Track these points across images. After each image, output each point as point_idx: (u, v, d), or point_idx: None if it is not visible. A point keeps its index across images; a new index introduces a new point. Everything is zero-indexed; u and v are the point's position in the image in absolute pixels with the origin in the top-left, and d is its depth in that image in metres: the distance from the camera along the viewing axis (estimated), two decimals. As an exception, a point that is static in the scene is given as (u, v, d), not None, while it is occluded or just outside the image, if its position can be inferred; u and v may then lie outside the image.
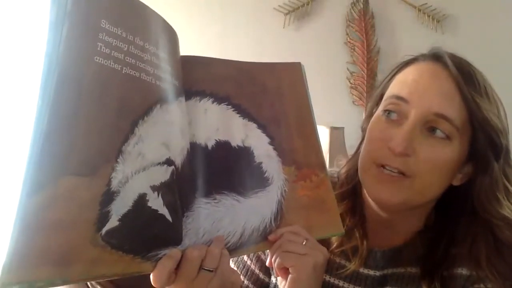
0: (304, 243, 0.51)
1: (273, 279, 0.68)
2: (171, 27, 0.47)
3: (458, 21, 1.56)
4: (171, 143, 0.44)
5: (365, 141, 0.61)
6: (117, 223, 0.39)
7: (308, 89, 0.58)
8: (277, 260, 0.51)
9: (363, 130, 0.64)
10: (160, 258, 0.43)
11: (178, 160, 0.45)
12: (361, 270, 0.62)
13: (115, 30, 0.40)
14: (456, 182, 0.58)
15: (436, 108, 0.54)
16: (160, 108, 0.43)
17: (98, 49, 0.38)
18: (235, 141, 0.53)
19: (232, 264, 0.68)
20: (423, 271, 0.58)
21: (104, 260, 0.38)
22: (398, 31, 1.61)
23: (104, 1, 0.40)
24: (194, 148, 0.49)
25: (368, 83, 1.65)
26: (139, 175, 0.40)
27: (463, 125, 0.55)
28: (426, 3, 1.55)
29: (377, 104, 0.63)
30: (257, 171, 0.53)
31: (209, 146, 0.51)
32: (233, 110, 0.53)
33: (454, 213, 0.61)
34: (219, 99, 0.52)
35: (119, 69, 0.40)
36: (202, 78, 0.52)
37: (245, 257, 0.70)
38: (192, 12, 1.66)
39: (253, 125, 0.54)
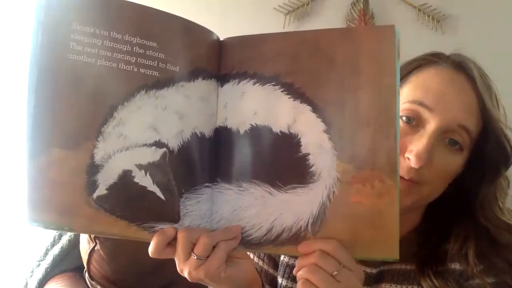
0: (335, 273, 0.43)
1: (279, 279, 0.66)
2: (173, 16, 0.48)
3: (458, 21, 1.55)
4: (160, 127, 0.47)
5: None
6: (105, 191, 0.46)
7: (398, 65, 0.44)
8: (299, 282, 0.45)
9: None
10: (157, 231, 0.46)
11: (173, 142, 0.47)
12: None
13: (87, 29, 0.46)
14: None
15: (460, 120, 0.54)
16: (145, 94, 0.47)
17: (71, 47, 0.46)
18: (278, 127, 0.46)
19: None
20: (418, 267, 0.58)
21: (101, 220, 0.45)
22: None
23: (76, 7, 0.46)
24: (223, 132, 0.49)
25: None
26: (122, 154, 0.46)
27: (475, 137, 0.56)
28: (426, 3, 1.54)
29: None
30: (301, 163, 0.45)
31: (241, 131, 0.47)
32: (282, 91, 0.47)
33: (448, 211, 0.61)
34: (264, 80, 0.47)
35: (93, 62, 0.46)
36: (246, 58, 0.48)
37: (256, 259, 0.66)
38: (192, 12, 1.66)
39: (306, 108, 0.45)
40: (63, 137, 0.45)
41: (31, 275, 1.12)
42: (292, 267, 0.64)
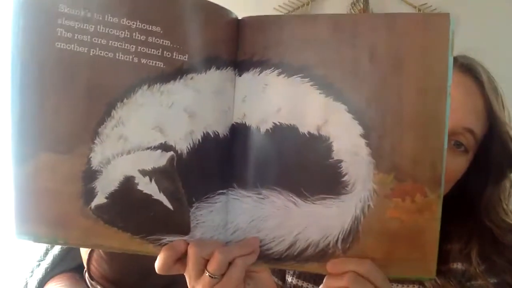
0: None
1: (288, 278, 0.65)
2: None
3: (458, 21, 1.55)
4: (167, 127, 0.41)
5: None
6: (105, 200, 0.40)
7: (451, 63, 0.38)
8: None
9: None
10: (164, 244, 0.41)
11: (182, 145, 0.41)
12: None
13: (77, 12, 0.39)
14: None
15: (466, 123, 0.55)
16: (148, 89, 0.40)
17: (58, 34, 0.39)
18: (306, 127, 0.40)
19: None
20: None
21: (98, 232, 0.40)
22: (398, 31, 1.61)
23: None
24: (240, 130, 0.42)
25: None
26: (123, 158, 0.40)
27: (480, 139, 0.57)
28: (426, 3, 1.54)
29: None
30: (332, 171, 0.40)
31: (262, 130, 0.41)
32: (311, 85, 0.40)
33: (450, 212, 0.61)
34: (291, 70, 0.40)
35: (85, 51, 0.39)
36: (270, 44, 0.41)
37: None
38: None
39: (341, 107, 0.40)
40: (54, 140, 0.40)
41: (31, 275, 1.12)
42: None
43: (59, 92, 0.40)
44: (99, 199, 0.40)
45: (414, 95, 0.39)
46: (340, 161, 0.40)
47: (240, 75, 0.42)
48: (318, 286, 0.59)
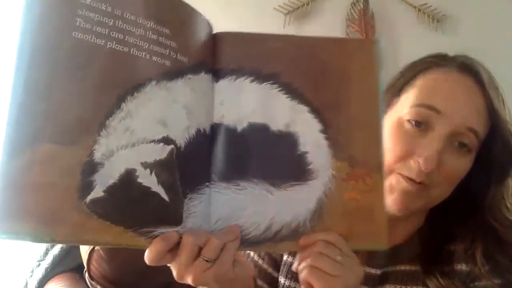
0: (339, 258, 0.46)
1: (280, 279, 0.66)
2: (183, 3, 0.45)
3: (458, 21, 1.55)
4: (170, 122, 0.43)
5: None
6: (102, 193, 0.39)
7: (381, 74, 0.49)
8: (303, 272, 0.46)
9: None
10: (156, 236, 0.42)
11: (181, 139, 0.43)
12: (363, 269, 0.63)
13: (98, 5, 0.40)
14: None
15: (470, 123, 0.55)
16: (156, 85, 0.42)
17: (77, 24, 0.39)
18: (276, 125, 0.47)
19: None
20: (423, 267, 0.58)
21: (91, 227, 0.39)
22: (398, 31, 1.60)
23: None
24: (219, 129, 0.46)
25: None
26: (126, 150, 0.40)
27: (483, 139, 0.57)
28: (426, 3, 1.54)
29: (398, 95, 0.60)
30: (299, 161, 0.47)
31: (239, 129, 0.46)
32: (279, 90, 0.47)
33: (452, 212, 0.61)
34: (261, 78, 0.47)
35: (102, 44, 0.40)
36: (243, 55, 0.48)
37: (256, 257, 0.66)
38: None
39: (304, 108, 0.47)
40: (57, 131, 0.38)
41: (31, 275, 1.12)
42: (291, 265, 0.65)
43: (71, 81, 0.39)
44: (96, 192, 0.39)
45: (358, 99, 0.49)
46: (306, 152, 0.47)
47: (217, 81, 0.47)
48: None
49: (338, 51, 0.49)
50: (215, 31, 0.49)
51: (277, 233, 0.46)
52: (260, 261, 0.68)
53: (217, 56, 0.47)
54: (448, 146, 0.55)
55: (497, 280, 0.55)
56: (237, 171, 0.46)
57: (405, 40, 1.61)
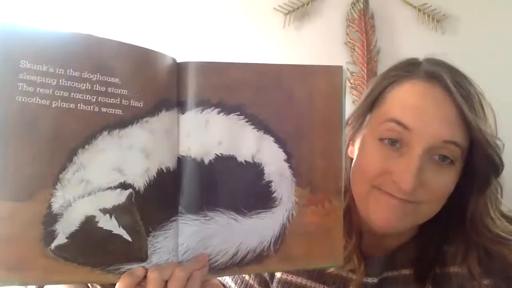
0: None
1: (277, 273, 0.67)
2: (131, 46, 0.44)
3: (458, 21, 1.55)
4: (126, 167, 0.44)
5: (359, 163, 0.56)
6: (65, 240, 0.42)
7: (344, 101, 0.50)
8: None
9: (351, 139, 0.59)
10: (123, 272, 0.44)
11: (140, 182, 0.45)
12: (362, 279, 0.62)
13: (39, 67, 0.41)
14: None
15: (444, 136, 0.52)
16: (108, 135, 0.43)
17: (20, 88, 0.40)
18: (243, 156, 0.48)
19: (229, 279, 0.65)
20: (416, 271, 0.58)
21: (59, 270, 0.42)
22: (398, 31, 1.60)
23: (24, 43, 0.40)
24: (186, 162, 0.47)
25: (368, 83, 1.64)
26: (84, 200, 0.42)
27: (466, 147, 0.54)
28: (426, 3, 1.54)
29: (370, 110, 0.57)
30: (264, 190, 0.48)
31: (206, 161, 0.47)
32: (246, 121, 0.48)
33: (444, 220, 0.60)
34: (228, 109, 0.48)
35: (47, 104, 0.41)
36: (210, 86, 0.47)
37: (247, 277, 0.68)
38: (191, 13, 1.66)
39: (270, 139, 0.48)
40: (13, 189, 0.40)
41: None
42: (284, 283, 0.65)
43: (21, 142, 0.41)
44: (60, 240, 0.42)
45: (321, 125, 0.50)
46: (270, 181, 0.49)
47: (183, 113, 0.47)
48: (309, 280, 0.60)
49: (303, 79, 0.50)
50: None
51: (243, 258, 0.49)
52: (251, 281, 0.69)
53: (181, 88, 0.47)
54: (427, 162, 0.53)
55: (487, 281, 0.55)
56: (204, 202, 0.47)
57: (405, 40, 1.61)
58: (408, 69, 0.58)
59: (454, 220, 0.59)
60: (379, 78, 0.61)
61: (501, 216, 0.58)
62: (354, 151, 0.61)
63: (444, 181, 0.54)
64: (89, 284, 1.09)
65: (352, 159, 0.60)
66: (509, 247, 0.56)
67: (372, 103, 0.59)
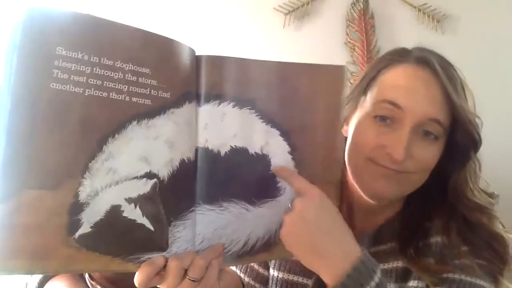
0: None
1: (272, 271, 0.70)
2: (161, 37, 0.45)
3: (458, 21, 1.55)
4: (151, 157, 0.45)
5: (355, 139, 0.62)
6: (89, 229, 0.42)
7: (344, 98, 0.54)
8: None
9: (345, 119, 0.65)
10: (143, 261, 0.45)
11: (164, 172, 0.45)
12: None
13: (74, 55, 0.40)
14: None
15: (431, 114, 0.58)
16: (137, 124, 0.44)
17: (54, 75, 0.40)
18: (254, 148, 0.50)
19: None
20: (400, 243, 0.63)
21: (80, 259, 0.42)
22: (398, 31, 1.61)
23: (60, 29, 0.40)
24: (204, 153, 0.48)
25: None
26: (110, 189, 0.43)
27: (448, 126, 0.60)
28: (426, 3, 1.54)
29: (365, 92, 0.64)
30: (271, 180, 0.51)
31: (222, 153, 0.49)
32: (256, 115, 0.50)
33: (427, 195, 0.65)
34: (242, 103, 0.50)
35: (81, 91, 0.41)
36: (226, 80, 0.49)
37: None
38: (192, 13, 1.66)
39: (276, 132, 0.51)
40: (41, 177, 0.40)
41: (31, 275, 1.12)
42: (285, 283, 0.69)
43: (51, 130, 0.40)
44: (84, 229, 0.42)
45: (323, 120, 0.54)
46: None
47: (200, 106, 0.48)
48: (308, 279, 0.62)
49: (308, 77, 0.53)
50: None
51: (253, 246, 0.51)
52: (254, 264, 0.72)
53: (200, 80, 0.48)
54: (415, 136, 0.59)
55: (471, 258, 0.58)
56: (220, 193, 0.49)
57: (405, 40, 1.61)
58: (400, 54, 0.64)
59: (437, 196, 0.64)
60: (373, 63, 0.67)
61: (480, 190, 0.65)
62: (348, 130, 0.66)
63: (429, 154, 0.60)
64: (89, 284, 1.09)
65: (346, 137, 0.65)
66: (487, 215, 0.62)
67: (366, 85, 0.65)
